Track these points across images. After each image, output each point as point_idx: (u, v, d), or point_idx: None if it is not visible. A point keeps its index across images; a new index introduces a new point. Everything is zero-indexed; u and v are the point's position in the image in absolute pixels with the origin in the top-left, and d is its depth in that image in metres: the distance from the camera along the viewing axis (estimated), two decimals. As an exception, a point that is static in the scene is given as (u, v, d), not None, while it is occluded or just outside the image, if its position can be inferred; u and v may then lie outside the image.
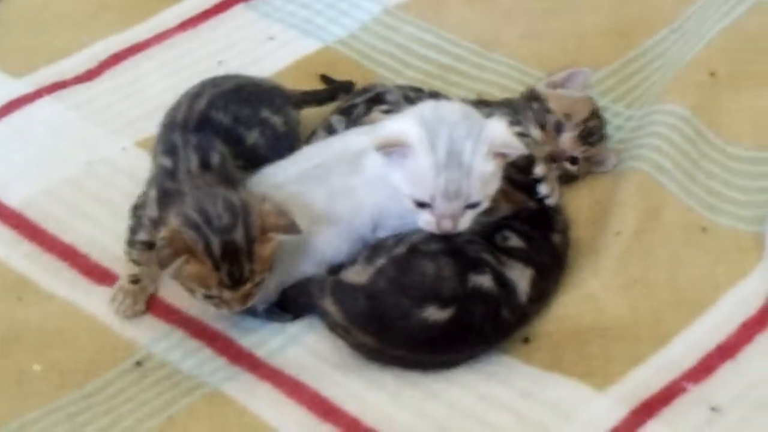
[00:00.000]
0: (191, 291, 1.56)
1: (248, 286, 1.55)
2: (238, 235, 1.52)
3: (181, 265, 1.51)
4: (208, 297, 1.56)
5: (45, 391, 1.57)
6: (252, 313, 1.64)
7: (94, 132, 1.94)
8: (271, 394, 1.55)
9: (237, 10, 2.20)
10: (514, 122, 1.76)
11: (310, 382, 1.56)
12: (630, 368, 1.55)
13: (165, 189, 1.58)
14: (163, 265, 1.52)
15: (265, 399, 1.55)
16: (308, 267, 1.61)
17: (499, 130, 1.54)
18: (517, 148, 1.53)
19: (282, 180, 1.63)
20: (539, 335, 1.60)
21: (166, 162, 1.61)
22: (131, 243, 1.66)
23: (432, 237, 1.56)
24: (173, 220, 1.53)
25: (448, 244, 1.55)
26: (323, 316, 1.58)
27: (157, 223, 1.58)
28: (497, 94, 1.93)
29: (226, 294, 1.54)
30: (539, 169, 1.63)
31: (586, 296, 1.64)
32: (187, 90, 1.72)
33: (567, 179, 1.79)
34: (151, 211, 1.60)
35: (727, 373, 1.54)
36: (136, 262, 1.67)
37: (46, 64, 2.08)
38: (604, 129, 1.83)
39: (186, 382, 1.57)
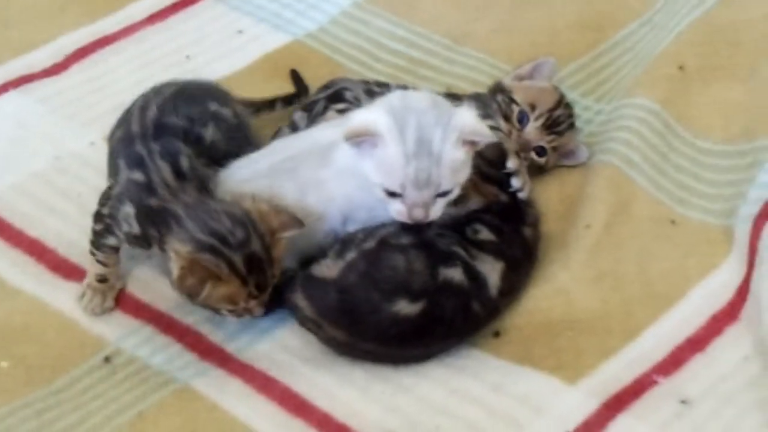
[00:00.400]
0: (216, 310, 1.56)
1: (269, 289, 1.55)
2: (256, 246, 1.51)
3: (209, 291, 1.50)
4: (231, 311, 1.55)
5: (12, 387, 1.55)
6: (221, 308, 1.64)
7: (61, 126, 1.93)
8: (242, 390, 1.55)
9: (206, 3, 2.18)
10: (484, 116, 1.75)
11: (280, 377, 1.56)
12: (600, 361, 1.55)
13: (145, 205, 1.56)
14: (193, 296, 1.51)
15: (235, 394, 1.54)
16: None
17: (467, 118, 1.54)
18: (486, 136, 1.53)
19: (251, 174, 1.62)
20: (509, 329, 1.60)
21: (137, 176, 1.58)
22: (98, 247, 1.64)
23: (402, 230, 1.56)
24: (182, 247, 1.51)
25: (418, 237, 1.55)
26: (294, 310, 1.58)
27: (138, 239, 1.57)
28: (467, 88, 1.93)
29: (252, 303, 1.54)
30: (511, 163, 1.63)
31: (557, 289, 1.64)
32: (132, 103, 1.69)
33: (536, 171, 1.79)
34: (129, 227, 1.57)
35: (697, 365, 1.55)
36: (103, 263, 1.65)
37: (13, 57, 2.06)
38: (572, 118, 1.83)
39: (156, 378, 1.56)
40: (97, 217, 1.64)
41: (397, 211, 1.54)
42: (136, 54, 2.07)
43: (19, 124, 1.94)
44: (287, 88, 1.95)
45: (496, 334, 1.60)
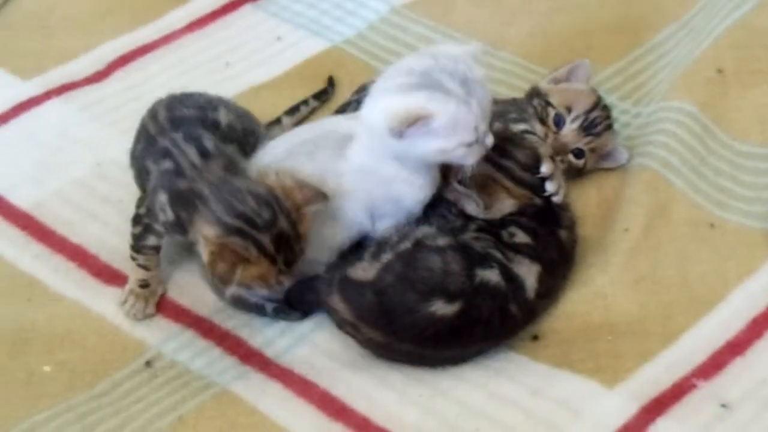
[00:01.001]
0: (249, 288, 1.57)
1: (298, 262, 1.56)
2: (283, 224, 1.52)
3: (240, 274, 1.51)
4: (262, 288, 1.56)
5: (55, 392, 1.57)
6: (261, 312, 1.65)
7: (103, 133, 1.95)
8: (281, 393, 1.56)
9: (245, 11, 2.20)
10: (519, 119, 1.76)
11: (319, 381, 1.56)
12: (639, 365, 1.55)
13: (176, 190, 1.57)
14: (224, 281, 1.53)
15: (274, 398, 1.55)
16: (309, 250, 1.61)
17: (465, 46, 1.58)
18: (477, 45, 1.58)
19: (270, 159, 1.63)
20: (548, 332, 1.60)
21: (167, 165, 1.60)
22: (138, 249, 1.66)
23: (438, 232, 1.57)
24: (209, 231, 1.51)
25: (454, 239, 1.56)
26: (331, 313, 1.58)
27: (175, 226, 1.58)
28: (504, 93, 1.93)
29: (282, 278, 1.55)
30: (545, 167, 1.63)
31: (595, 293, 1.64)
32: (140, 122, 1.72)
33: (575, 174, 1.79)
34: (165, 215, 1.59)
35: (736, 369, 1.54)
36: (144, 267, 1.67)
37: (55, 65, 2.08)
38: (609, 120, 1.83)
39: (196, 382, 1.58)
40: (135, 219, 1.66)
41: (475, 153, 1.55)
42: (176, 61, 2.09)
43: (61, 131, 1.96)
44: (326, 93, 1.96)
45: (535, 338, 1.60)
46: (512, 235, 1.60)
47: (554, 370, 1.55)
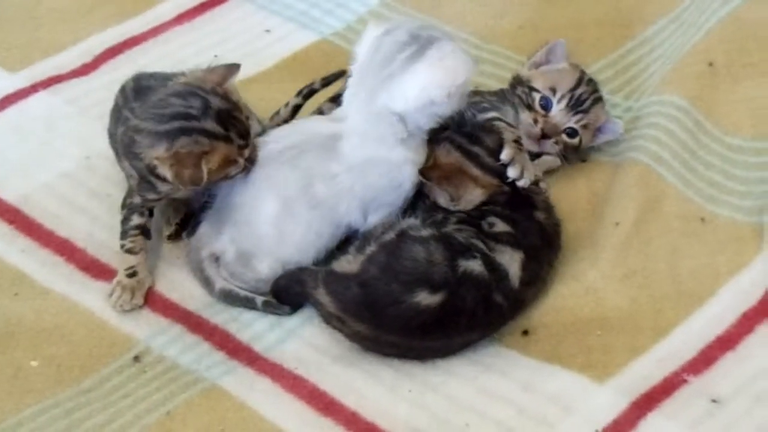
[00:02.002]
0: (222, 179, 1.58)
1: (252, 135, 1.58)
2: (217, 102, 1.54)
3: (208, 169, 1.53)
4: (235, 170, 1.57)
5: (42, 387, 1.56)
6: (250, 306, 1.64)
7: (90, 126, 1.93)
8: (270, 388, 1.55)
9: (233, 3, 2.19)
10: (487, 108, 1.74)
11: (308, 375, 1.56)
12: (630, 360, 1.54)
13: (126, 144, 1.59)
14: (196, 181, 1.53)
15: (263, 393, 1.54)
16: (293, 252, 1.62)
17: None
18: None
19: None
20: (538, 327, 1.60)
21: (120, 129, 1.64)
22: (124, 233, 1.66)
23: (422, 224, 1.58)
24: (156, 150, 1.53)
25: (437, 229, 1.57)
26: (317, 307, 1.58)
27: (142, 183, 1.60)
28: (495, 86, 1.92)
29: (245, 153, 1.57)
30: (505, 153, 1.62)
31: (586, 288, 1.63)
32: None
33: (574, 152, 1.80)
34: (133, 179, 1.62)
35: (727, 364, 1.54)
36: (131, 251, 1.66)
37: (42, 58, 2.07)
38: (597, 93, 1.83)
39: (184, 377, 1.57)
40: (122, 205, 1.68)
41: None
42: (164, 54, 2.07)
43: (48, 124, 1.95)
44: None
45: (525, 333, 1.59)
46: (492, 225, 1.60)
47: (544, 365, 1.55)
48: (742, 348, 1.55)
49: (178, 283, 1.69)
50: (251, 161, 1.59)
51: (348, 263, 1.56)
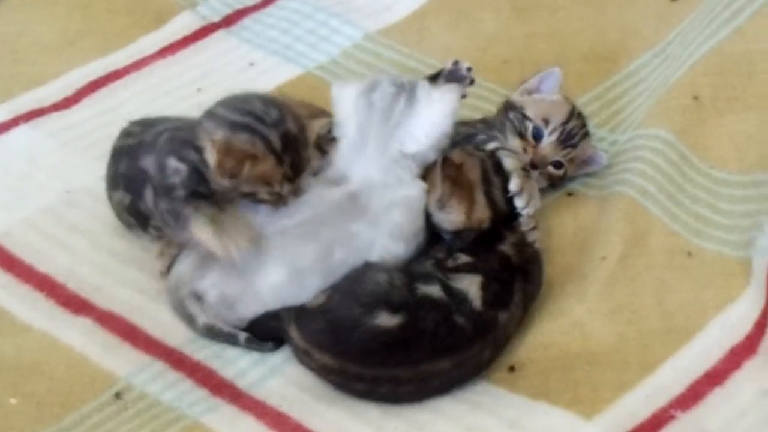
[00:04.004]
0: (249, 194, 1.56)
1: (303, 176, 1.57)
2: (291, 126, 1.54)
3: (248, 170, 1.52)
4: (269, 195, 1.56)
5: (22, 425, 1.54)
6: (234, 342, 1.63)
7: (72, 160, 1.92)
8: (254, 426, 1.53)
9: (217, 37, 2.19)
10: (488, 140, 1.75)
11: (292, 413, 1.54)
12: (617, 396, 1.53)
13: (178, 137, 1.58)
14: (233, 174, 1.52)
15: (247, 431, 1.53)
16: (286, 304, 1.61)
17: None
18: None
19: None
20: (525, 363, 1.59)
21: (164, 137, 1.62)
22: (171, 210, 1.61)
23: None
24: (216, 133, 1.53)
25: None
26: (289, 342, 1.59)
27: (191, 176, 1.56)
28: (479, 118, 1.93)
29: (286, 188, 1.56)
30: (514, 183, 1.65)
31: (572, 323, 1.62)
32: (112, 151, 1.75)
33: (557, 181, 1.81)
34: (179, 175, 1.57)
35: (715, 400, 1.53)
36: (206, 221, 1.60)
37: (23, 91, 2.06)
38: (585, 128, 1.84)
39: (166, 414, 1.55)
40: (162, 217, 1.63)
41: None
42: (147, 87, 2.07)
43: (29, 158, 1.93)
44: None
45: (512, 369, 1.58)
46: (455, 259, 1.61)
47: (532, 401, 1.54)
48: (730, 383, 1.55)
49: (160, 319, 1.67)
50: (283, 201, 1.58)
51: (316, 298, 1.58)
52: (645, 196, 1.76)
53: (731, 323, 1.61)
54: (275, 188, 1.55)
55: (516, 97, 1.84)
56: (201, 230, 1.59)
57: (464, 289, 1.56)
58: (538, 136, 1.79)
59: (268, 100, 1.57)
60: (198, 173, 1.57)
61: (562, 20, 2.17)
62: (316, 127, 1.60)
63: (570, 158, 1.80)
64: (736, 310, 1.63)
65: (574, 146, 1.80)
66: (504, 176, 1.68)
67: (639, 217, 1.74)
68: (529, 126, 1.79)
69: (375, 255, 1.62)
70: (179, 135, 1.60)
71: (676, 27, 2.07)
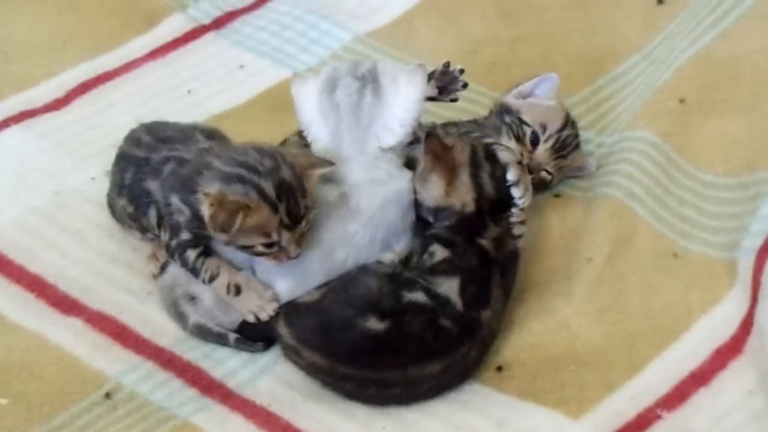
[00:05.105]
0: (248, 248, 1.55)
1: (303, 224, 1.55)
2: (286, 173, 1.53)
3: (241, 223, 1.50)
4: (267, 246, 1.54)
5: (12, 425, 1.54)
6: (224, 342, 1.63)
7: (62, 161, 1.92)
8: (243, 426, 1.54)
9: (207, 39, 2.19)
10: (483, 136, 1.76)
11: (282, 413, 1.55)
12: (604, 396, 1.54)
13: (182, 177, 1.57)
14: (226, 228, 1.50)
15: (236, 430, 1.53)
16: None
17: None
18: None
19: None
20: (512, 363, 1.60)
21: (169, 167, 1.61)
22: (194, 270, 1.61)
23: (380, 264, 1.61)
24: (211, 187, 1.52)
25: (390, 267, 1.60)
26: (278, 339, 1.59)
27: (194, 219, 1.56)
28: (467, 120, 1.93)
29: (285, 237, 1.53)
30: (512, 174, 1.65)
31: (559, 323, 1.63)
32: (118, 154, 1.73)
33: (544, 187, 1.81)
34: (183, 215, 1.57)
35: (701, 400, 1.54)
36: (213, 277, 1.60)
37: (14, 92, 2.06)
38: (577, 139, 1.84)
39: (156, 414, 1.55)
40: (168, 253, 1.63)
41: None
42: (137, 89, 2.07)
43: (19, 159, 1.94)
44: (289, 121, 1.94)
45: (499, 369, 1.59)
46: (432, 255, 1.60)
47: (519, 401, 1.55)
48: (716, 384, 1.56)
49: (149, 319, 1.68)
50: (287, 254, 1.56)
51: (310, 295, 1.58)
52: (631, 198, 1.77)
53: (717, 324, 1.63)
54: (273, 237, 1.53)
55: (511, 100, 1.83)
56: (221, 295, 1.61)
57: (445, 293, 1.56)
58: (535, 142, 1.79)
59: (263, 150, 1.55)
60: (200, 218, 1.55)
61: (549, 23, 2.18)
62: (316, 175, 1.58)
63: (559, 167, 1.81)
64: (722, 311, 1.64)
65: (564, 157, 1.81)
66: (495, 164, 1.66)
67: (625, 219, 1.75)
68: (528, 131, 1.79)
69: (376, 252, 1.61)
70: (182, 174, 1.58)
71: (663, 30, 2.08)
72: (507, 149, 1.71)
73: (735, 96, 1.91)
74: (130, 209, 1.68)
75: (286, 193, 1.52)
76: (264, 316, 1.59)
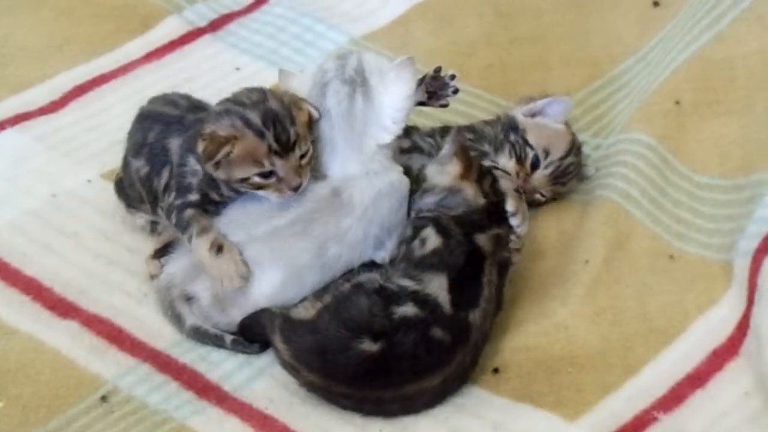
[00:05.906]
0: (246, 180, 1.58)
1: (297, 153, 1.58)
2: (274, 104, 1.57)
3: (231, 154, 1.55)
4: (264, 177, 1.57)
5: (7, 428, 1.54)
6: (219, 344, 1.63)
7: (58, 164, 1.92)
8: (240, 428, 1.53)
9: (203, 41, 2.19)
10: (479, 156, 1.75)
11: (278, 415, 1.55)
12: (600, 398, 1.54)
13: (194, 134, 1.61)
14: (210, 157, 1.55)
15: (233, 433, 1.53)
16: (280, 304, 1.62)
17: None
18: None
19: (245, 238, 1.62)
20: (509, 365, 1.60)
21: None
22: (186, 225, 1.62)
23: (374, 275, 1.60)
24: (204, 129, 1.58)
25: (384, 277, 1.59)
26: (275, 352, 1.59)
27: (208, 179, 1.62)
28: (463, 123, 1.93)
29: (279, 164, 1.56)
30: (510, 205, 1.64)
31: (556, 325, 1.63)
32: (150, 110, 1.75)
33: (536, 205, 1.80)
34: (196, 176, 1.62)
35: (697, 401, 1.54)
36: (204, 230, 1.61)
37: (10, 95, 2.06)
38: (580, 168, 1.83)
39: (153, 417, 1.55)
40: (166, 212, 1.65)
41: None
42: (133, 92, 2.07)
43: (15, 161, 1.94)
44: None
45: (495, 371, 1.59)
46: (423, 242, 1.60)
47: (515, 404, 1.55)
48: (712, 385, 1.56)
49: (145, 322, 1.68)
50: (287, 184, 1.58)
51: (305, 309, 1.57)
52: (628, 200, 1.77)
53: (713, 325, 1.63)
54: (266, 165, 1.56)
55: (519, 116, 1.82)
56: (201, 253, 1.61)
57: (434, 295, 1.55)
58: (535, 166, 1.79)
59: (252, 88, 1.61)
60: (212, 179, 1.59)
61: (545, 25, 2.18)
62: (307, 108, 1.59)
63: (556, 193, 1.81)
64: (718, 313, 1.64)
65: (563, 184, 1.81)
66: (497, 191, 1.65)
67: (622, 221, 1.75)
68: (530, 153, 1.78)
69: (369, 249, 1.62)
70: (195, 132, 1.62)
71: (659, 32, 2.09)
72: (505, 176, 1.70)
73: (730, 98, 1.92)
74: (145, 170, 1.68)
75: (273, 120, 1.56)
76: (232, 285, 1.58)
